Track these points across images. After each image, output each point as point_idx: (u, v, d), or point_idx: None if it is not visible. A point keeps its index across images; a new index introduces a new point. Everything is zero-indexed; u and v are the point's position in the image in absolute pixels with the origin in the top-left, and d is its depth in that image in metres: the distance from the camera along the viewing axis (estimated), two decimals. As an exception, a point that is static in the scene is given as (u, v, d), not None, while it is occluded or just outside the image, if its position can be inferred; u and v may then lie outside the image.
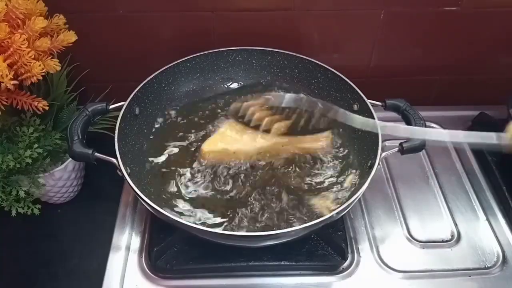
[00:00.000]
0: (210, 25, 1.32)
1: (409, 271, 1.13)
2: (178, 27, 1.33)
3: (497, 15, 1.34)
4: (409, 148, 1.06)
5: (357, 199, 1.00)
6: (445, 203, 1.27)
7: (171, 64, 1.25)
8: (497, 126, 1.36)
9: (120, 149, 1.04)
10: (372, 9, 1.32)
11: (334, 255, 1.13)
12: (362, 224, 1.22)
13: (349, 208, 1.00)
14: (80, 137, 1.02)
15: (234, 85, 1.36)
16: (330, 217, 0.97)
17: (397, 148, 1.06)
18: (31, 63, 0.97)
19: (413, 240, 1.19)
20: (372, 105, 1.15)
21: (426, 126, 1.08)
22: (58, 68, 1.03)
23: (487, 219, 1.24)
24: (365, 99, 1.16)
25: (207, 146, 1.16)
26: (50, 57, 1.03)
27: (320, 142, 1.20)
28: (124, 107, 1.12)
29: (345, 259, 1.13)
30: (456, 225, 1.22)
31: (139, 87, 1.18)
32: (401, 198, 1.28)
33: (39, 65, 0.98)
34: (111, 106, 1.10)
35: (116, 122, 1.09)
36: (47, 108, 1.07)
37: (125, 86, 1.15)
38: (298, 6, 1.29)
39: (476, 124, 1.45)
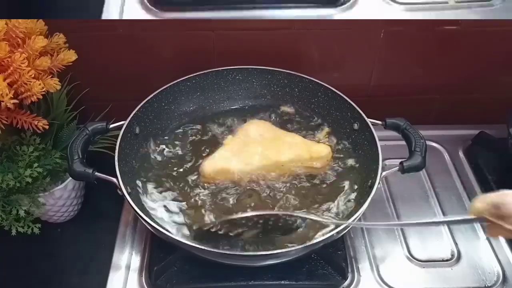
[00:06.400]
0: (210, 44, 1.33)
1: (410, 290, 1.13)
2: (178, 46, 1.33)
3: (497, 35, 1.35)
4: (409, 167, 1.05)
5: (358, 218, 0.99)
6: (446, 222, 1.27)
7: (171, 83, 1.25)
8: (497, 145, 1.37)
9: (121, 169, 1.04)
10: (372, 28, 1.32)
11: (334, 275, 1.13)
12: (362, 243, 1.21)
13: (349, 228, 1.00)
14: (80, 156, 1.02)
15: (235, 104, 1.36)
16: (330, 236, 0.97)
17: (397, 167, 1.06)
18: (31, 82, 0.97)
19: (413, 259, 1.18)
20: (372, 124, 1.15)
21: (426, 145, 1.08)
22: (58, 87, 1.04)
23: (487, 238, 1.23)
24: (365, 118, 1.17)
25: (207, 165, 1.16)
26: (50, 76, 1.03)
27: (320, 160, 1.20)
28: (124, 126, 1.12)
29: (345, 278, 1.13)
30: (456, 244, 1.22)
31: (139, 106, 1.18)
32: (401, 217, 1.27)
33: (39, 84, 0.98)
34: (111, 125, 1.11)
35: (116, 141, 1.09)
36: (47, 127, 1.07)
37: (125, 105, 1.16)
38: (298, 25, 1.30)
39: (476, 143, 1.45)
